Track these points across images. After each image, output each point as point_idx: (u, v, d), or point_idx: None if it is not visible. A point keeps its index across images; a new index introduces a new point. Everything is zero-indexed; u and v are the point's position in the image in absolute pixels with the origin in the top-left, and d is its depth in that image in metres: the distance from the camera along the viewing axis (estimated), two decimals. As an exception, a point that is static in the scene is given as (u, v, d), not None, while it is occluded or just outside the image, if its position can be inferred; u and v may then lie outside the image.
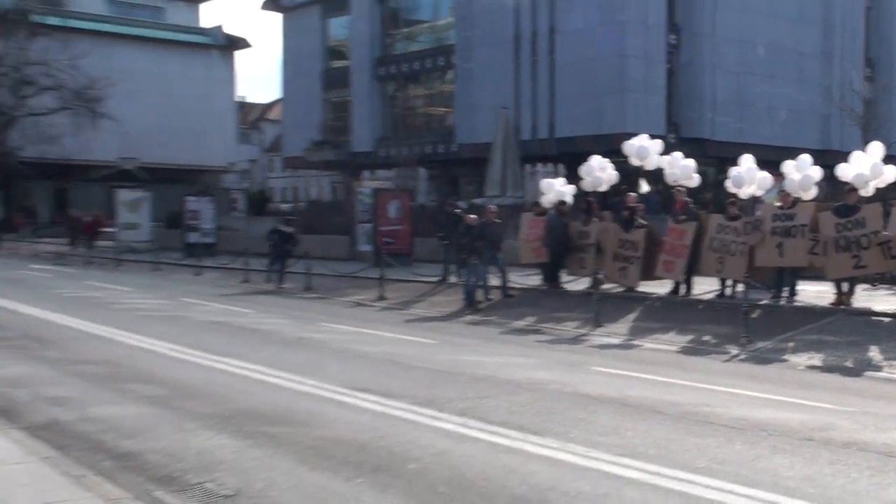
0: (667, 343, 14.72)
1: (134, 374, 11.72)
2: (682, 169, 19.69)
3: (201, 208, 38.36)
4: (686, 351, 14.15)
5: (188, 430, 8.73)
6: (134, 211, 42.02)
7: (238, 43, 73.43)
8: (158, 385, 10.93)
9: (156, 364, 12.47)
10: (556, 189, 21.00)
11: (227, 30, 72.86)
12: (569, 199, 20.87)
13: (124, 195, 42.93)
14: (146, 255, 35.38)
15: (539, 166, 33.42)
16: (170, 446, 8.12)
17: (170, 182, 56.89)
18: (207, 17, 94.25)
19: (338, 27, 54.53)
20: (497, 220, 20.12)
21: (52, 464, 7.16)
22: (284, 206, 56.65)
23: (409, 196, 32.36)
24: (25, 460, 7.25)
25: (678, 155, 20.15)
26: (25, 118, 54.16)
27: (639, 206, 18.88)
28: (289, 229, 25.85)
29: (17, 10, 55.36)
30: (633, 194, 19.67)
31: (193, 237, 37.02)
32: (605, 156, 21.18)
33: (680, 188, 18.89)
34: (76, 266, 33.76)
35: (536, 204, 21.62)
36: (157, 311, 18.87)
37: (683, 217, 17.76)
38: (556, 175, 26.09)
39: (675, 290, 18.10)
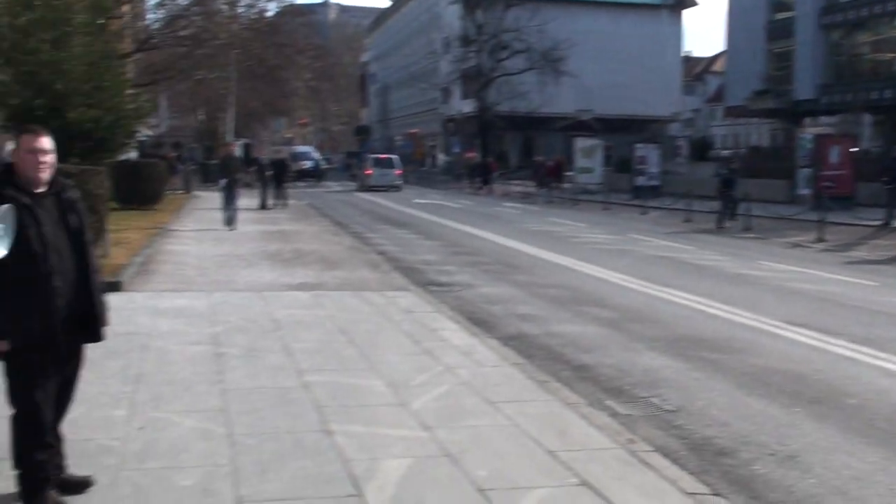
0: None
1: (588, 298, 12.08)
2: None
3: (648, 154, 38.44)
4: None
5: (635, 350, 8.85)
6: (589, 157, 43.12)
7: (685, 2, 71.84)
8: (609, 309, 11.18)
9: (607, 290, 12.76)
10: None
11: (676, -10, 71.46)
12: None
13: (581, 143, 44.18)
14: (598, 196, 36.22)
15: None
16: (619, 363, 8.30)
17: (620, 131, 57.58)
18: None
19: (782, -21, 51.23)
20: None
21: (521, 369, 7.60)
22: (725, 153, 54.85)
23: (851, 141, 29.97)
24: (500, 364, 7.78)
25: None
26: (500, 78, 57.45)
27: None
28: (726, 172, 25.16)
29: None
30: None
31: (640, 180, 37.20)
32: None
33: None
34: (539, 205, 35.39)
35: None
36: (608, 245, 19.23)
37: None
38: None
39: None
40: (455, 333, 9.06)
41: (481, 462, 5.21)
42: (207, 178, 41.47)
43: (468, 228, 22.84)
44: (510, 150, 67.48)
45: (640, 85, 65.34)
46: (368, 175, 44.13)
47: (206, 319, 9.52)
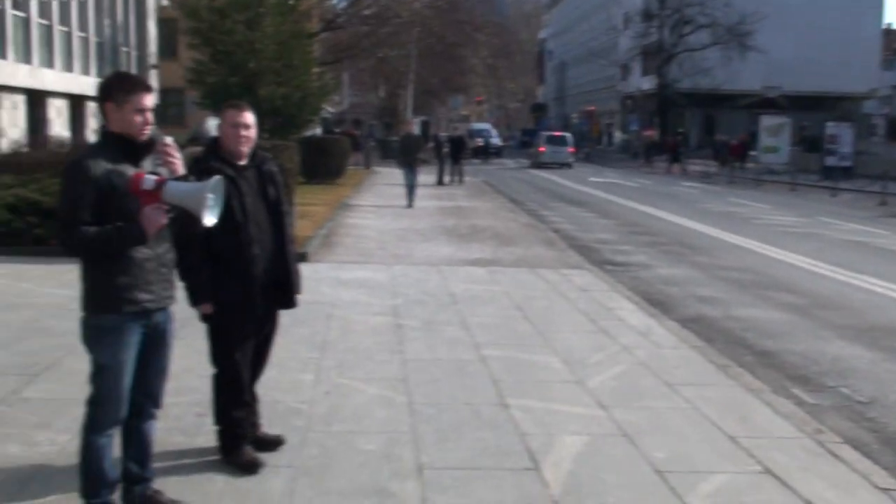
0: None
1: (773, 282, 11.63)
2: None
3: (840, 133, 36.48)
4: None
5: (823, 338, 8.46)
6: (775, 135, 41.35)
7: (887, -31, 67.24)
8: (796, 294, 10.72)
9: (793, 275, 12.24)
10: None
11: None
12: None
13: (767, 121, 42.40)
14: (784, 177, 34.68)
15: None
16: (806, 350, 7.96)
17: (809, 109, 54.80)
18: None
19: None
20: None
21: (700, 352, 7.43)
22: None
23: None
24: (678, 346, 7.63)
25: None
26: (682, 54, 55.83)
27: None
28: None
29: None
30: None
31: (831, 160, 35.37)
32: None
33: None
34: (720, 185, 34.23)
35: None
36: (794, 228, 18.41)
37: None
38: None
39: None
40: (632, 313, 8.95)
41: (659, 444, 5.14)
42: (386, 154, 42.51)
43: (645, 208, 22.41)
44: (690, 128, 65.52)
45: (834, 60, 61.66)
46: (541, 152, 44.53)
47: (386, 291, 9.82)
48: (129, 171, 3.53)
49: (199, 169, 4.04)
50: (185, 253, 3.98)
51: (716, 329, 8.74)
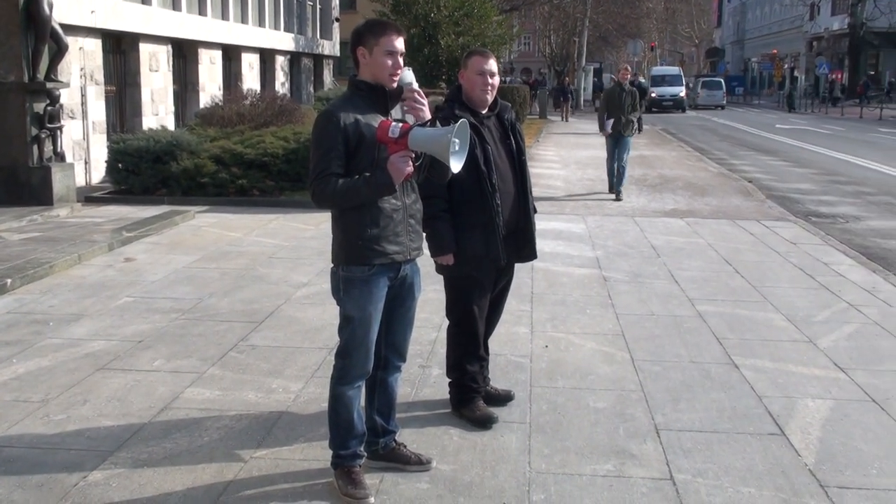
0: None
1: None
2: None
3: None
4: None
5: None
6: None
7: None
8: None
9: None
10: None
11: None
12: None
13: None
14: None
15: None
16: None
17: None
18: None
19: None
20: None
21: (935, 311, 6.83)
22: None
23: None
24: (910, 305, 7.04)
25: None
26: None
27: None
28: None
29: None
30: None
31: None
32: None
33: None
34: (922, 130, 31.76)
35: None
36: None
37: None
38: None
39: None
40: (851, 269, 8.37)
41: (914, 412, 4.71)
42: (557, 104, 41.89)
43: (842, 156, 21.04)
44: (884, 71, 61.10)
45: None
46: (698, 95, 51.63)
47: (584, 243, 9.57)
48: (378, 120, 3.42)
49: (441, 117, 3.89)
50: (429, 202, 3.86)
51: (949, 287, 8.01)
